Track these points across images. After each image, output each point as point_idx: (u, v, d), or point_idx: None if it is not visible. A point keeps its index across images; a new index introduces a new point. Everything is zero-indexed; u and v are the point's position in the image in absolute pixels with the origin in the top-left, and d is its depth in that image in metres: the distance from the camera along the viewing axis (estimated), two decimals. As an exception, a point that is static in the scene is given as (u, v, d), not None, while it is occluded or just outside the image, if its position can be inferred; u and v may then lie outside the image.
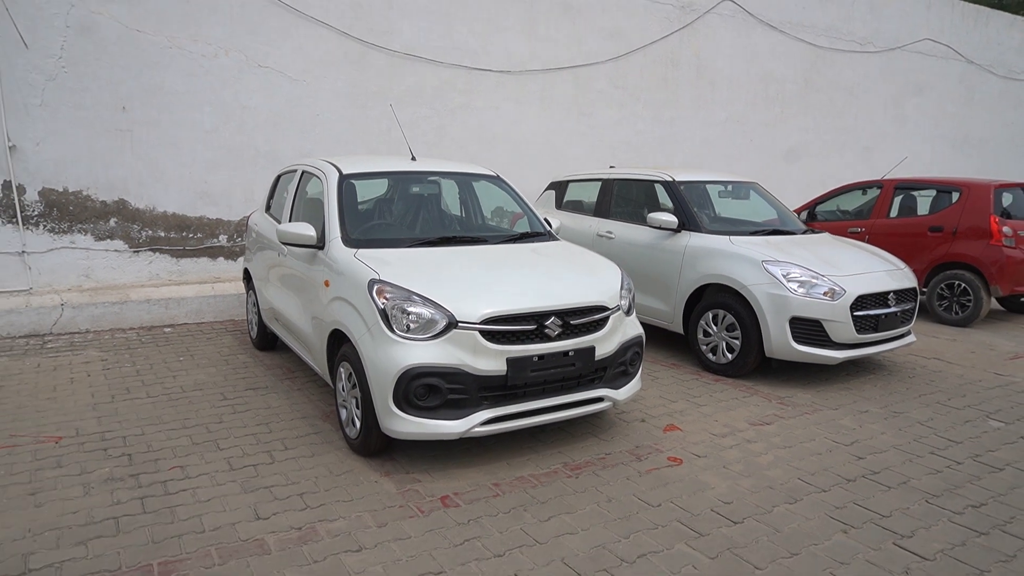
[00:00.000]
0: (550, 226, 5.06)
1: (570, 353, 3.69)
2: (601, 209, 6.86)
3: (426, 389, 3.45)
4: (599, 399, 3.93)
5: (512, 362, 3.51)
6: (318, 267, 4.25)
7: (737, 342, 5.35)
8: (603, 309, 3.85)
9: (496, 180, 5.25)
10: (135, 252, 7.12)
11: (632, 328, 4.14)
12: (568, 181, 7.53)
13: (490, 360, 3.48)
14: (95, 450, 3.89)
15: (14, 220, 6.53)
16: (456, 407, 3.51)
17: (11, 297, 6.43)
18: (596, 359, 3.80)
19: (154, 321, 6.85)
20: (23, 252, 6.61)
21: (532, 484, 3.56)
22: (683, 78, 10.73)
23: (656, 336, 6.64)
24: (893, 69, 13.27)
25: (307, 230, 4.21)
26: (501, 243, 4.53)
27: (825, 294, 5.05)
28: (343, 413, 3.98)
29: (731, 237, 5.62)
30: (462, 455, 3.88)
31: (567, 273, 4.05)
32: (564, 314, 3.68)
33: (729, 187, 6.72)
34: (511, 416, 3.62)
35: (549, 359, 3.63)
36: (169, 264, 7.32)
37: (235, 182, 7.46)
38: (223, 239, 7.56)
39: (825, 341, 5.11)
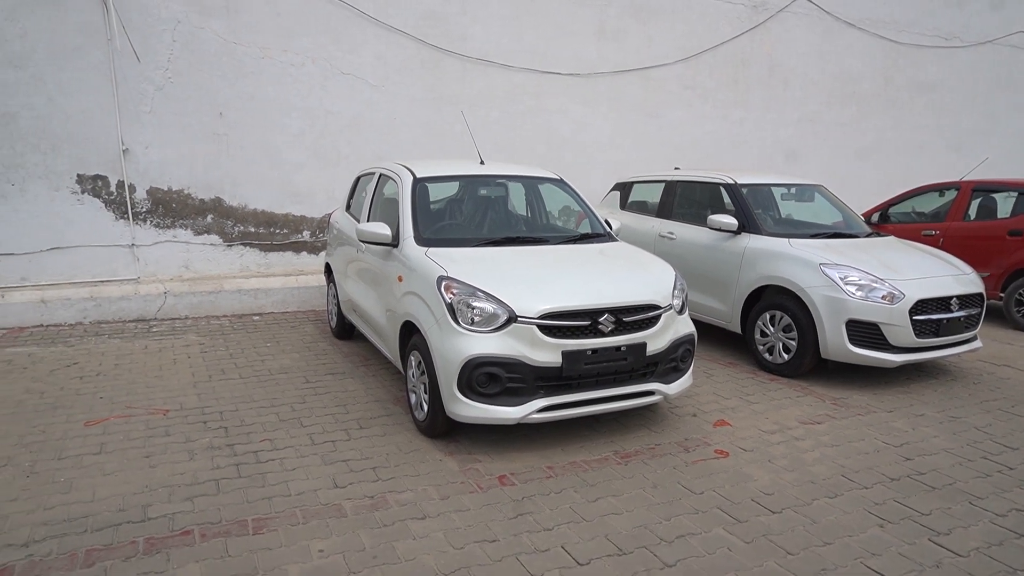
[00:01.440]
0: (610, 227, 5.29)
1: (622, 348, 3.94)
2: (664, 210, 7.02)
3: (487, 377, 3.77)
4: (650, 392, 4.15)
5: (567, 355, 3.79)
6: (392, 263, 4.64)
7: (793, 343, 5.44)
8: (655, 308, 4.07)
9: (559, 183, 5.52)
10: (228, 246, 7.76)
11: (684, 326, 4.34)
12: (632, 182, 7.71)
13: (546, 352, 3.77)
14: (196, 422, 4.40)
15: (126, 216, 7.26)
16: (514, 395, 3.82)
17: (122, 285, 7.17)
18: (647, 354, 4.03)
19: (244, 310, 7.47)
20: (133, 245, 7.34)
21: (583, 469, 3.83)
22: (754, 78, 10.68)
23: (714, 335, 6.76)
24: (982, 64, 12.73)
25: (383, 229, 4.61)
26: (562, 243, 4.81)
27: (883, 298, 5.09)
28: (412, 398, 4.35)
29: (790, 240, 5.71)
30: (520, 440, 4.19)
31: (622, 273, 4.29)
32: (617, 311, 3.93)
33: (792, 190, 6.76)
34: (565, 405, 3.90)
35: (602, 353, 3.88)
36: (258, 257, 7.94)
37: (318, 182, 8.01)
38: (306, 235, 8.13)
39: (883, 344, 5.14)
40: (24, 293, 6.76)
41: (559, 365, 3.79)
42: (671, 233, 6.73)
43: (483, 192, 5.27)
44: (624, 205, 7.68)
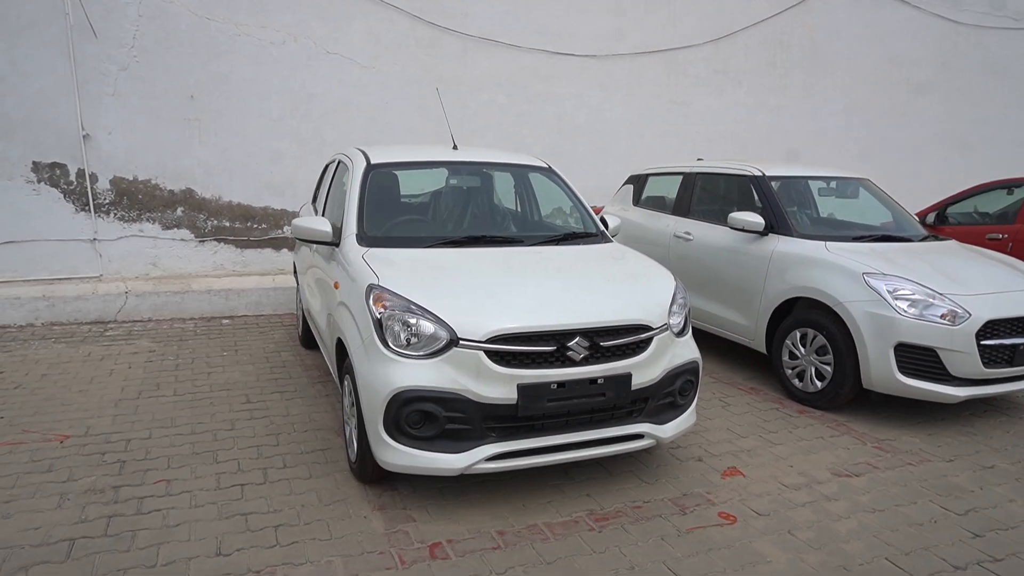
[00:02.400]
0: (605, 226, 4.41)
1: (599, 380, 3.06)
2: (680, 207, 6.09)
3: (421, 416, 2.94)
4: (638, 436, 3.27)
5: (524, 389, 2.94)
6: (333, 266, 3.85)
7: (829, 368, 4.48)
8: (645, 328, 3.19)
9: (548, 172, 4.65)
10: (201, 242, 7.09)
11: (685, 351, 3.43)
12: (647, 175, 6.79)
13: (497, 386, 2.93)
14: (93, 454, 3.68)
15: (87, 208, 6.64)
16: (456, 439, 2.98)
17: (81, 284, 6.55)
18: (633, 388, 3.15)
19: (214, 312, 6.79)
20: (95, 239, 6.72)
21: (543, 537, 2.98)
22: (794, 61, 9.61)
23: (735, 354, 5.81)
24: (1056, 48, 11.36)
25: (321, 225, 3.82)
26: (540, 245, 3.94)
27: (943, 316, 4.10)
28: (347, 430, 3.56)
29: (827, 243, 4.73)
30: (473, 489, 3.35)
31: (606, 283, 3.42)
32: (593, 333, 3.06)
33: (832, 184, 5.76)
34: (524, 452, 3.05)
35: (572, 387, 3.02)
36: (233, 254, 7.26)
37: (300, 172, 7.28)
38: (287, 230, 7.42)
39: (941, 374, 4.15)
40: (-30, 291, 6.19)
41: (514, 402, 2.94)
42: (688, 233, 5.80)
43: (453, 182, 4.44)
44: (638, 200, 6.76)
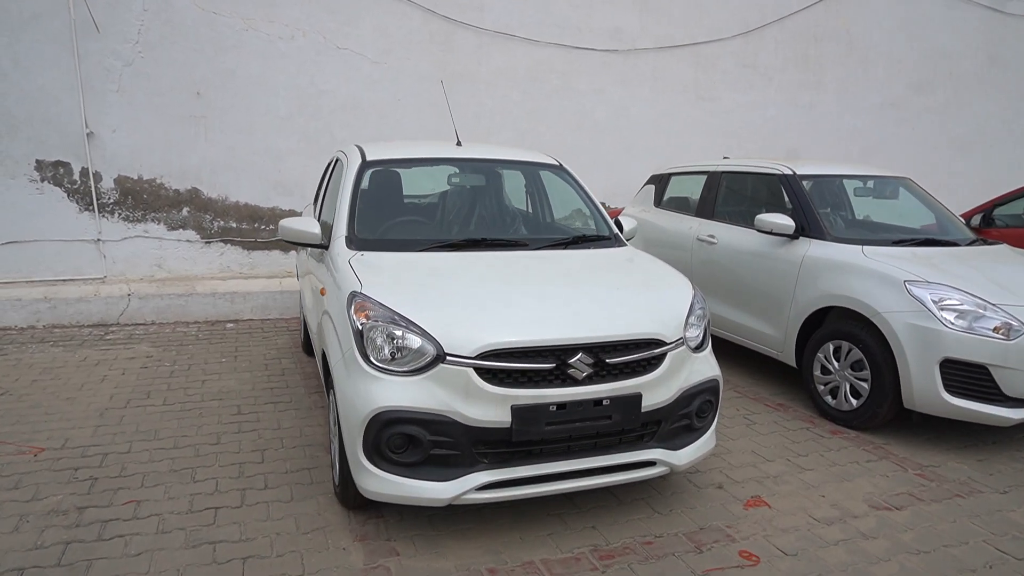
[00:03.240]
0: (620, 228, 4.07)
1: (605, 402, 2.73)
2: (704, 208, 5.71)
3: (404, 439, 2.64)
4: (649, 463, 2.93)
5: (519, 411, 2.62)
6: (322, 271, 3.58)
7: (865, 385, 4.08)
8: (657, 343, 2.84)
9: (558, 170, 4.33)
10: (207, 243, 6.90)
11: (704, 368, 3.08)
12: (670, 174, 6.42)
13: (488, 407, 2.61)
14: (65, 469, 3.45)
15: (91, 208, 6.48)
16: (443, 465, 2.68)
17: (83, 286, 6.39)
18: (643, 410, 2.81)
19: (219, 315, 6.58)
20: (99, 240, 6.56)
21: (539, 576, 2.66)
22: (828, 55, 9.13)
23: (763, 367, 5.42)
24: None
25: (308, 226, 3.54)
26: (546, 249, 3.61)
27: (996, 330, 3.68)
28: (332, 449, 3.27)
29: (864, 247, 4.33)
30: (467, 519, 3.04)
31: (615, 292, 3.08)
32: (598, 349, 2.73)
33: (869, 183, 5.34)
34: (519, 482, 2.73)
35: (573, 409, 2.69)
36: (240, 256, 7.05)
37: (309, 171, 7.03)
38: (295, 231, 7.18)
39: (993, 394, 3.73)
40: (-30, 292, 6.06)
41: (508, 425, 2.62)
42: (711, 236, 5.42)
43: (455, 180, 4.14)
44: (659, 201, 6.39)
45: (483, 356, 2.60)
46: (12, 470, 3.43)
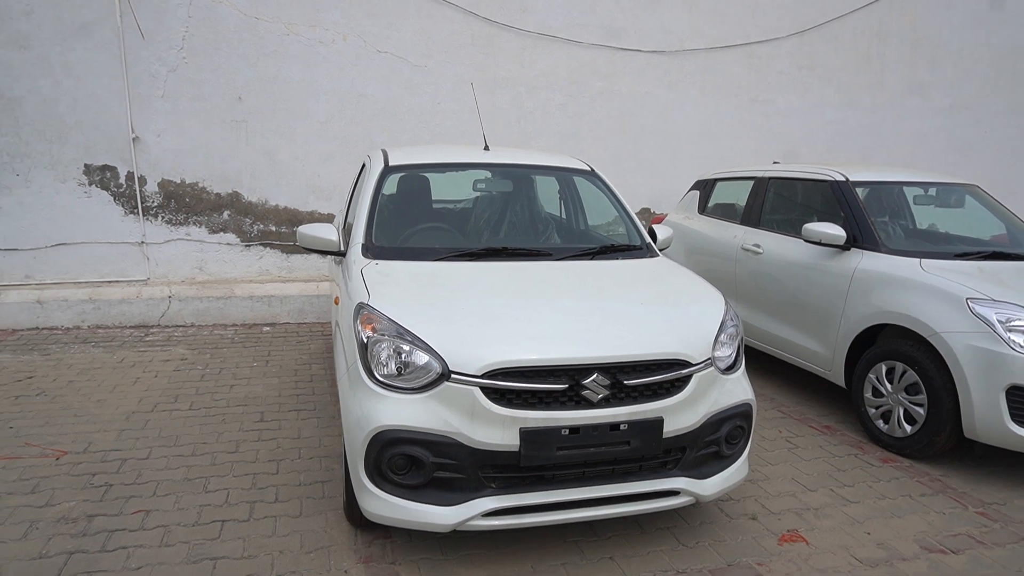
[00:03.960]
0: (654, 237, 3.85)
1: (622, 426, 2.53)
2: (750, 216, 5.41)
3: (406, 461, 2.50)
4: (672, 493, 2.72)
5: (528, 435, 2.45)
6: (339, 278, 3.48)
7: (921, 410, 3.75)
8: (682, 364, 2.63)
9: (590, 176, 4.13)
10: (246, 246, 6.95)
11: (735, 391, 2.85)
12: (715, 180, 6.13)
13: (495, 429, 2.45)
14: (83, 474, 3.44)
15: (135, 211, 6.60)
16: (448, 488, 2.53)
17: (125, 288, 6.51)
18: (665, 436, 2.60)
19: (256, 319, 6.61)
20: (143, 243, 6.67)
21: (547, 613, 2.47)
22: (892, 55, 8.64)
23: (811, 385, 5.09)
24: None
25: (326, 233, 3.46)
26: (571, 259, 3.42)
27: (1072, 355, 3.32)
28: (343, 463, 3.16)
29: (923, 260, 3.99)
30: (478, 543, 2.89)
31: (639, 307, 2.87)
32: (616, 369, 2.54)
33: (931, 190, 4.96)
34: (529, 509, 2.56)
35: (588, 433, 2.50)
36: (279, 260, 7.08)
37: (348, 175, 7.00)
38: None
39: (1068, 426, 3.37)
40: (20, 292, 6.23)
41: (516, 449, 2.45)
42: (757, 246, 5.12)
43: (480, 186, 3.99)
44: (704, 208, 6.11)
45: (490, 375, 2.44)
46: (32, 474, 3.44)
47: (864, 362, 4.12)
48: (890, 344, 3.97)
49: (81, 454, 3.67)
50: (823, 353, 4.46)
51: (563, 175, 4.14)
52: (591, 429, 2.50)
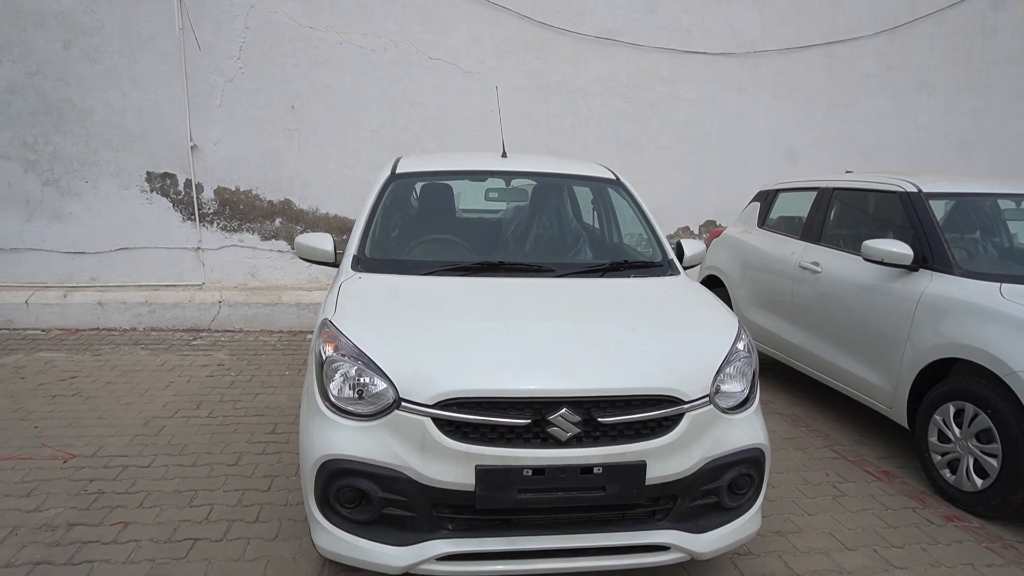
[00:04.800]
0: (680, 253, 3.48)
1: (596, 470, 2.22)
2: (811, 230, 4.89)
3: (355, 494, 2.29)
4: (661, 547, 2.36)
5: (485, 473, 2.18)
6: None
7: (994, 463, 3.19)
8: (672, 401, 2.28)
9: (614, 185, 3.80)
10: (310, 264, 6.97)
11: (741, 434, 2.45)
12: (777, 190, 5.61)
13: (447, 465, 2.19)
14: (81, 480, 3.44)
15: (192, 217, 6.78)
16: (400, 527, 2.29)
17: (179, 292, 6.69)
18: (649, 483, 2.26)
19: (302, 326, 6.64)
20: (199, 248, 6.85)
21: (500, 677, 2.19)
22: (999, 52, 7.75)
23: (872, 423, 4.52)
24: None
25: (322, 243, 3.33)
26: (575, 276, 3.11)
27: None
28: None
29: (1004, 285, 3.41)
30: None
31: (631, 332, 2.53)
32: (589, 404, 2.23)
33: (1021, 203, 4.29)
34: (490, 556, 2.28)
35: (554, 476, 2.21)
36: (328, 268, 7.06)
37: (397, 184, 6.95)
38: (382, 244, 7.13)
39: None
40: (84, 294, 6.51)
41: (471, 489, 2.19)
42: (815, 264, 4.61)
43: (492, 195, 3.75)
44: (764, 221, 5.60)
45: (442, 405, 2.19)
46: (35, 476, 3.47)
47: (929, 401, 3.58)
48: (959, 382, 3.42)
49: (88, 458, 3.69)
50: (884, 388, 3.91)
51: (584, 184, 3.83)
52: (558, 471, 2.20)
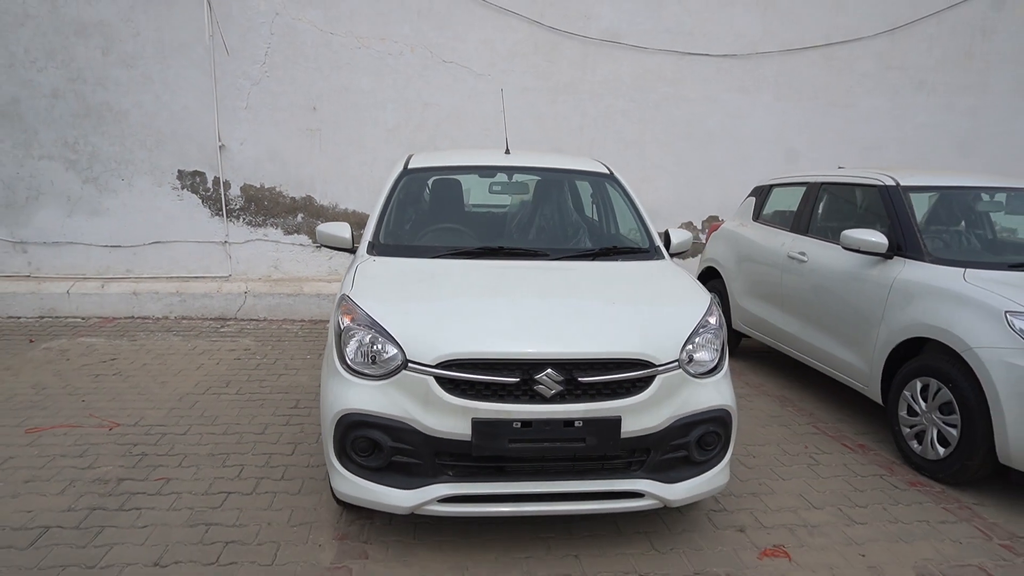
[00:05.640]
0: (668, 241, 3.80)
1: (577, 423, 2.55)
2: (799, 223, 5.18)
3: (368, 444, 2.65)
4: (636, 494, 2.69)
5: (479, 425, 2.53)
6: (350, 275, 3.70)
7: (954, 432, 3.48)
8: (644, 364, 2.61)
9: (608, 179, 4.13)
10: (317, 247, 7.39)
11: (708, 395, 2.78)
12: (772, 186, 5.90)
13: (448, 418, 2.54)
14: (126, 444, 3.84)
15: (220, 213, 7.20)
16: (407, 473, 2.65)
17: (208, 283, 7.11)
18: (624, 436, 2.59)
19: (322, 315, 7.03)
20: (226, 242, 7.27)
21: (492, 601, 2.53)
22: (998, 52, 7.94)
23: (854, 402, 4.80)
24: None
25: (341, 231, 3.70)
26: (568, 259, 3.45)
27: (1123, 378, 2.97)
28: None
29: (968, 270, 3.69)
30: (451, 530, 2.98)
31: (611, 306, 2.87)
32: (571, 366, 2.56)
33: (994, 196, 4.55)
34: (485, 498, 2.63)
35: (540, 428, 2.54)
36: (347, 260, 7.43)
37: (413, 181, 7.31)
38: (398, 239, 7.50)
39: (1117, 457, 3.02)
40: (121, 285, 6.96)
41: (468, 438, 2.54)
42: (802, 254, 4.90)
43: (496, 188, 4.10)
44: (758, 215, 5.89)
45: (443, 365, 2.54)
46: (86, 440, 3.88)
47: (900, 378, 3.86)
48: (925, 360, 3.70)
49: (131, 427, 4.09)
50: (861, 367, 4.20)
51: (580, 178, 4.17)
52: (543, 424, 2.54)
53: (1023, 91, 8.05)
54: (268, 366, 5.42)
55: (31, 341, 5.93)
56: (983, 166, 8.07)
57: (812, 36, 7.67)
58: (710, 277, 6.23)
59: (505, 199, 4.09)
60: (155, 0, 6.77)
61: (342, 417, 2.63)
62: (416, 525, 3.02)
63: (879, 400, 4.08)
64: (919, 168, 5.28)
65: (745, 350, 6.07)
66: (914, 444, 3.76)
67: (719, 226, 6.41)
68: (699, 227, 7.90)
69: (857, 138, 7.91)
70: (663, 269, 3.41)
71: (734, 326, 5.77)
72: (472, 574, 2.69)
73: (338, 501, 3.04)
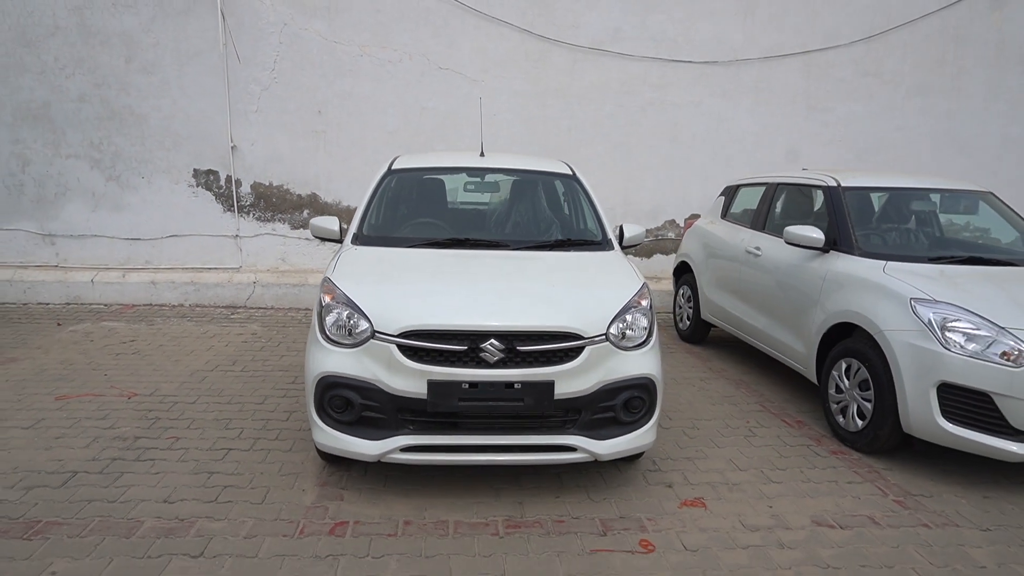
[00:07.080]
0: (621, 235, 4.26)
1: (516, 385, 3.04)
2: (758, 220, 5.62)
3: (342, 402, 3.15)
4: (569, 448, 3.17)
5: (434, 386, 3.01)
6: (338, 263, 4.20)
7: (869, 406, 3.91)
8: (574, 337, 3.09)
9: (570, 179, 4.60)
10: (321, 241, 7.90)
11: (632, 365, 3.23)
12: (739, 186, 6.34)
13: (408, 380, 3.04)
14: (143, 410, 4.38)
15: (232, 209, 7.76)
16: (374, 427, 3.14)
17: (220, 273, 7.67)
18: (557, 398, 3.07)
19: (325, 304, 7.54)
20: (237, 236, 7.82)
21: (442, 533, 3.02)
22: (972, 58, 8.28)
23: (802, 385, 5.23)
24: None
25: (330, 224, 4.19)
26: (526, 249, 3.93)
27: (1004, 355, 3.40)
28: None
29: (888, 263, 4.13)
30: (417, 479, 3.48)
31: (552, 288, 3.35)
32: (512, 337, 3.04)
33: (935, 197, 4.95)
34: (439, 448, 3.12)
35: (485, 389, 3.03)
36: (336, 243, 7.98)
37: (411, 180, 7.82)
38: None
39: (999, 425, 3.44)
40: (140, 275, 7.54)
41: (424, 397, 3.03)
42: (758, 248, 5.34)
43: (470, 188, 4.58)
44: (726, 213, 6.33)
45: (404, 335, 3.03)
46: (108, 407, 4.42)
47: (829, 360, 4.30)
48: (849, 343, 4.14)
49: (147, 396, 4.63)
50: (801, 351, 4.64)
51: (547, 178, 4.63)
52: (488, 385, 3.02)
53: (996, 95, 8.38)
54: (272, 348, 5.95)
55: (59, 324, 6.51)
56: (959, 167, 8.42)
57: (791, 44, 8.07)
58: (683, 271, 6.68)
59: (481, 196, 4.56)
60: (173, 12, 7.33)
61: (321, 379, 3.13)
62: (387, 476, 3.52)
63: (815, 380, 4.51)
64: (863, 170, 5.69)
65: (713, 339, 6.51)
66: (839, 418, 4.20)
67: (693, 223, 6.85)
68: (681, 224, 8.33)
69: (835, 141, 8.30)
70: (609, 259, 3.88)
71: (703, 316, 6.21)
72: (429, 514, 3.18)
73: (321, 455, 3.55)
